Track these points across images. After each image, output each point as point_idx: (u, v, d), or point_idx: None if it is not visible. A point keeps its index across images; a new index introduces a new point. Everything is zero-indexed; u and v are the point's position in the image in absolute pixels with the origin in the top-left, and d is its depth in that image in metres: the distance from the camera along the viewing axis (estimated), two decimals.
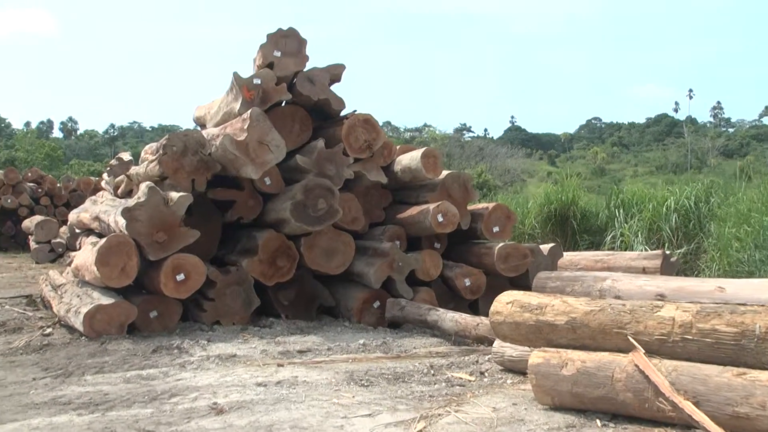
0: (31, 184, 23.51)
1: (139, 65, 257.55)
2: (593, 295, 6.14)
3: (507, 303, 5.04)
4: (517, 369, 5.67)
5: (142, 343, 7.06)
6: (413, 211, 9.20)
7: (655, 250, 11.38)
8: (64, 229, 19.04)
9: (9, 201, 22.29)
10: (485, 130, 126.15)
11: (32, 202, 22.86)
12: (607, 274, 6.43)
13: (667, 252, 8.57)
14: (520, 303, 4.97)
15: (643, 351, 4.21)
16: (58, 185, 24.10)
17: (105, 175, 14.22)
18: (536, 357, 4.65)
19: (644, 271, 8.12)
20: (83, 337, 7.36)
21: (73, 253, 10.70)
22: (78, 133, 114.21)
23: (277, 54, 8.85)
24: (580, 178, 16.75)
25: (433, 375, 5.74)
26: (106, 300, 7.48)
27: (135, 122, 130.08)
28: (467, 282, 8.96)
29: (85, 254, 8.30)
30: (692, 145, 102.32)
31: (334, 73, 9.22)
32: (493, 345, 5.92)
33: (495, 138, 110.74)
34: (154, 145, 10.36)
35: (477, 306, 9.17)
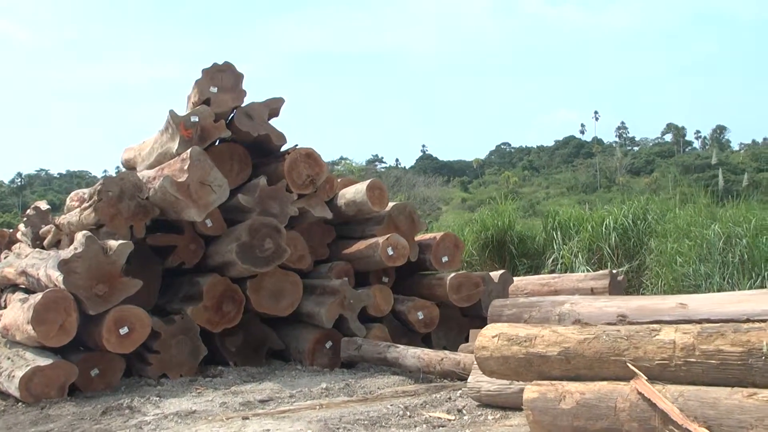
0: None
1: (43, 110, 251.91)
2: (552, 320, 5.95)
3: (493, 336, 4.80)
4: (495, 404, 5.46)
5: (87, 404, 6.62)
6: (361, 245, 8.94)
7: (596, 270, 11.31)
8: None
9: None
10: (397, 160, 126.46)
11: None
12: (565, 297, 6.25)
13: (614, 271, 8.49)
14: (506, 336, 4.73)
15: (645, 378, 4.00)
16: None
17: (21, 226, 13.60)
18: (531, 392, 4.41)
19: (593, 291, 8.01)
20: (20, 403, 6.88)
21: None
22: None
23: (214, 90, 8.50)
24: (516, 204, 16.63)
25: (410, 417, 5.46)
26: (43, 361, 6.99)
27: (42, 170, 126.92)
28: (420, 315, 8.73)
29: (15, 312, 7.77)
30: (600, 164, 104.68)
31: (273, 107, 8.93)
32: (468, 380, 5.68)
33: (407, 167, 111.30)
34: (81, 192, 9.91)
35: (430, 339, 8.93)
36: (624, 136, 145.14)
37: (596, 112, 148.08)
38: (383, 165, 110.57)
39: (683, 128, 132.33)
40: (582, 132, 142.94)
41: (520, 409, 5.06)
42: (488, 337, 4.84)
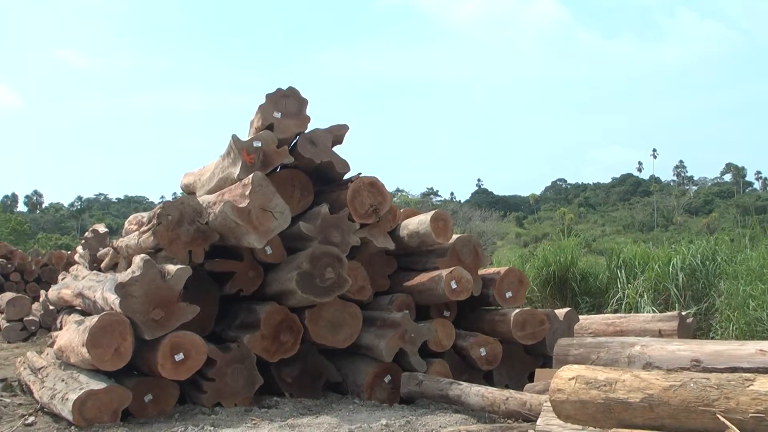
0: (0, 260, 22.73)
1: (103, 136, 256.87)
2: (621, 363, 5.68)
3: (569, 379, 4.50)
4: None
5: (140, 431, 6.44)
6: (423, 278, 8.70)
7: (662, 311, 10.97)
8: (36, 305, 18.32)
9: None
10: (452, 193, 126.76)
11: (2, 278, 22.06)
12: (635, 339, 6.00)
13: (683, 313, 8.16)
14: (584, 379, 4.43)
15: (737, 431, 3.69)
16: (29, 260, 23.35)
17: (79, 249, 13.64)
18: None
19: (660, 333, 7.73)
20: (72, 427, 6.74)
21: (54, 333, 10.04)
22: (43, 206, 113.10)
23: (277, 115, 8.37)
24: (578, 239, 16.33)
25: None
26: (97, 384, 6.85)
27: (101, 194, 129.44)
28: (483, 352, 8.45)
29: (70, 334, 7.67)
30: (657, 203, 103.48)
31: (337, 134, 8.77)
32: (537, 422, 5.36)
33: (462, 201, 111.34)
34: (139, 215, 9.84)
35: (491, 376, 8.66)
36: (682, 174, 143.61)
37: (654, 150, 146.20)
38: (438, 198, 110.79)
39: (743, 168, 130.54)
40: (639, 170, 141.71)
41: None
42: (564, 379, 4.55)
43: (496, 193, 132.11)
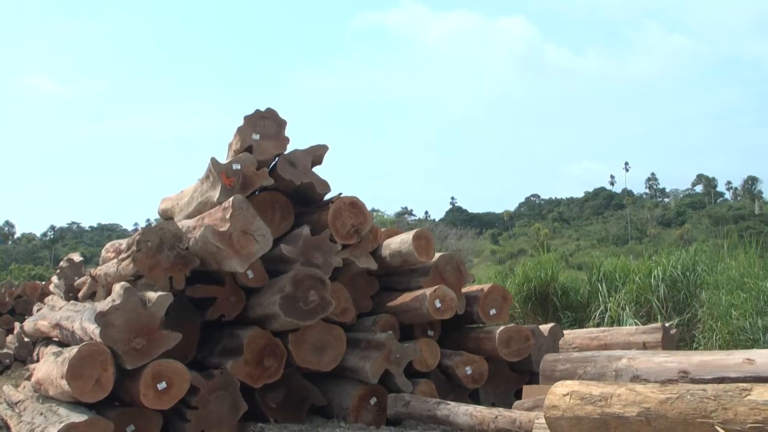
0: None
1: (75, 164, 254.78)
2: (609, 377, 5.65)
3: (564, 395, 4.45)
4: None
5: None
6: (406, 297, 8.62)
7: (644, 323, 10.99)
8: (10, 338, 18.06)
9: None
10: (426, 212, 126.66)
11: None
12: (622, 352, 6.01)
13: (666, 324, 8.16)
14: (579, 394, 4.39)
15: None
16: (2, 291, 23.03)
17: (54, 278, 13.48)
18: None
19: (645, 345, 7.73)
20: None
21: (31, 366, 9.87)
22: (15, 237, 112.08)
23: (256, 137, 8.29)
24: (557, 254, 16.31)
25: None
26: (77, 417, 6.68)
27: (74, 222, 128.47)
28: (469, 370, 8.37)
29: (48, 366, 7.51)
30: (631, 216, 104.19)
31: (317, 154, 8.69)
32: None
33: (437, 219, 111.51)
34: (117, 243, 9.72)
35: (478, 395, 8.58)
36: (654, 187, 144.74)
37: (626, 163, 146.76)
38: (413, 217, 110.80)
39: (714, 179, 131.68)
40: (612, 183, 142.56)
41: None
42: (559, 395, 4.50)
43: (470, 210, 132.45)
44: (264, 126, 8.39)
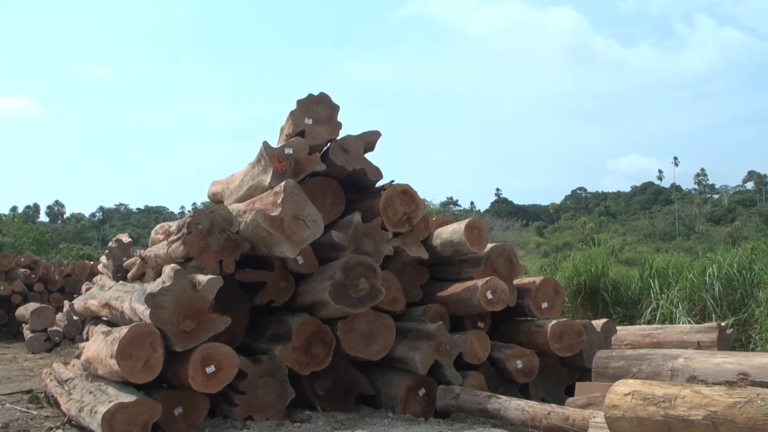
0: (24, 270, 22.68)
1: (124, 147, 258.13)
2: (664, 376, 5.47)
3: (625, 395, 4.30)
4: None
5: None
6: (457, 288, 8.50)
7: (698, 322, 10.75)
8: (60, 316, 18.25)
9: (1, 288, 21.42)
10: (471, 203, 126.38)
11: (26, 289, 22.00)
12: (678, 351, 5.80)
13: (722, 324, 7.95)
14: (641, 395, 4.23)
15: None
16: (52, 270, 23.29)
17: (103, 258, 13.54)
18: None
19: (699, 345, 7.53)
20: None
21: (81, 344, 9.91)
22: (65, 216, 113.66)
23: (308, 121, 8.21)
24: (607, 248, 16.08)
25: None
26: (126, 397, 6.67)
27: (121, 204, 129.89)
28: (519, 364, 8.24)
29: (98, 345, 7.52)
30: (679, 212, 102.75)
31: (369, 141, 8.58)
32: None
33: (482, 210, 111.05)
34: (166, 225, 9.69)
35: (527, 389, 8.44)
36: (703, 183, 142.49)
37: (675, 158, 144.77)
38: (458, 208, 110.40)
39: (765, 176, 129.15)
40: (660, 178, 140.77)
41: None
42: (620, 394, 4.35)
43: (516, 202, 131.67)
44: (317, 111, 8.30)
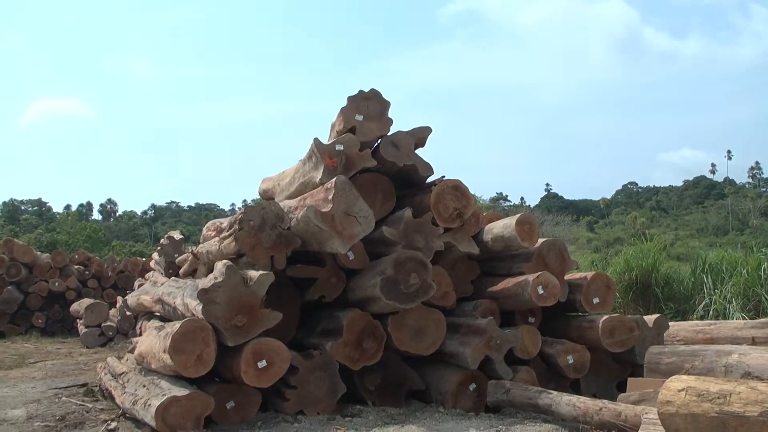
0: (78, 267, 23.08)
1: (175, 145, 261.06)
2: (717, 372, 5.41)
3: (679, 391, 4.24)
4: None
5: None
6: (508, 283, 8.47)
7: (752, 317, 10.58)
8: (113, 311, 18.52)
9: (57, 284, 21.82)
10: (521, 198, 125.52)
11: (80, 285, 22.38)
12: (732, 347, 5.73)
13: None
14: (696, 391, 4.17)
15: None
16: (105, 267, 23.66)
17: (155, 255, 13.70)
18: None
19: (754, 341, 7.39)
20: None
21: (134, 339, 10.04)
22: (117, 214, 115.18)
23: (359, 118, 8.23)
24: (660, 242, 15.92)
25: None
26: (179, 391, 6.75)
27: (172, 202, 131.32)
28: (570, 359, 8.18)
29: (151, 340, 7.62)
30: (732, 206, 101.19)
31: (420, 136, 8.57)
32: None
33: (532, 206, 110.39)
34: (218, 222, 9.78)
35: (578, 385, 8.38)
36: (758, 177, 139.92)
37: (729, 152, 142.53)
38: (508, 203, 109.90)
39: None
40: (713, 172, 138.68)
41: None
42: (674, 390, 4.29)
43: (566, 197, 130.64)
44: (368, 107, 8.31)
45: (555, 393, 6.84)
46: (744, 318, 10.60)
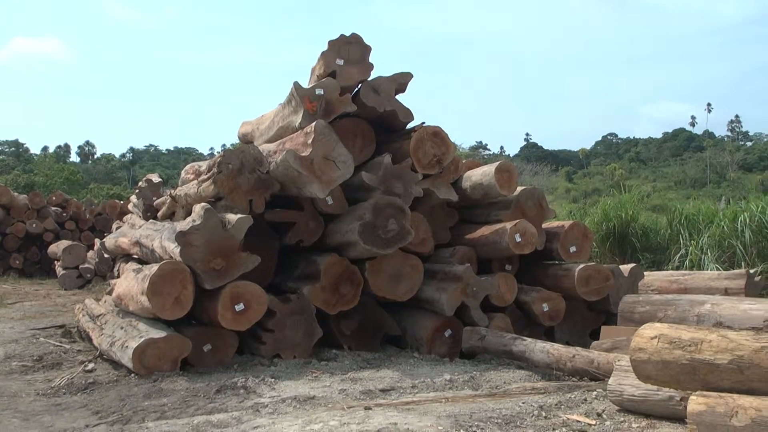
0: (56, 209, 22.96)
1: (154, 89, 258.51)
2: (690, 321, 5.46)
3: (652, 338, 4.29)
4: (638, 410, 4.91)
5: (200, 380, 6.39)
6: (486, 231, 8.50)
7: (726, 269, 10.67)
8: (91, 253, 18.49)
9: (34, 226, 21.73)
10: (501, 147, 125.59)
11: (57, 227, 22.29)
12: (705, 297, 5.77)
13: (750, 271, 7.89)
14: (668, 338, 4.22)
15: None
16: (83, 209, 23.55)
17: (133, 198, 13.67)
18: (697, 403, 3.89)
19: (726, 292, 7.47)
20: (132, 374, 6.72)
21: (112, 281, 10.04)
22: (95, 156, 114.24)
23: (340, 62, 8.15)
24: (638, 194, 15.99)
25: (546, 418, 4.99)
26: (156, 333, 6.80)
27: (151, 145, 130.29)
28: (545, 307, 8.25)
29: (129, 282, 7.62)
30: (711, 159, 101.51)
31: (401, 82, 8.50)
32: (609, 382, 5.16)
33: (511, 155, 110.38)
34: (196, 165, 9.75)
35: (552, 332, 8.47)
36: (737, 130, 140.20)
37: (709, 104, 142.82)
38: (488, 152, 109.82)
39: None
40: (692, 125, 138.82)
41: (667, 419, 4.59)
42: (646, 338, 4.34)
43: (545, 147, 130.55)
44: (348, 52, 8.24)
45: (529, 340, 6.91)
46: (718, 269, 10.68)
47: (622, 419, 4.92)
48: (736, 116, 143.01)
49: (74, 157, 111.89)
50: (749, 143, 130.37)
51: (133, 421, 5.30)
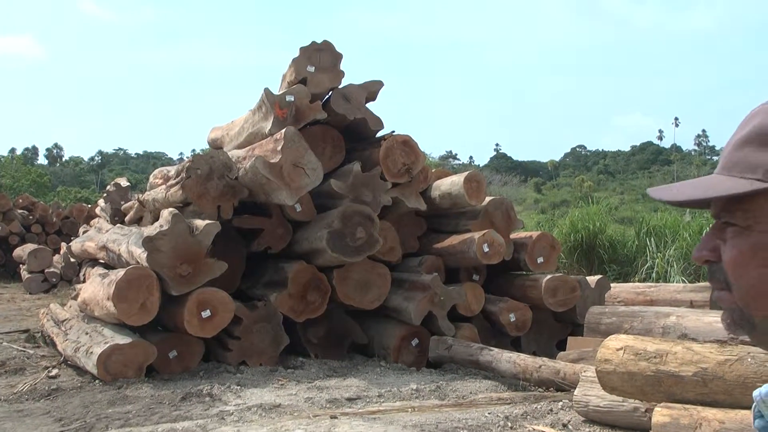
0: (22, 211, 22.71)
1: (124, 91, 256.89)
2: (655, 333, 5.51)
3: (618, 349, 4.32)
4: (604, 421, 4.94)
5: (165, 388, 6.34)
6: (454, 240, 8.51)
7: (692, 281, 10.78)
8: (57, 257, 18.32)
9: (0, 228, 21.47)
10: (470, 157, 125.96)
11: (23, 230, 22.05)
12: (670, 309, 5.85)
13: None
14: (633, 350, 4.26)
15: None
16: (50, 212, 23.32)
17: (101, 202, 13.56)
18: (662, 415, 3.93)
19: (692, 304, 7.56)
20: (96, 381, 6.65)
21: (78, 286, 9.95)
22: (63, 159, 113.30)
23: (311, 69, 8.14)
24: (606, 206, 16.11)
25: (512, 428, 5.01)
26: (122, 339, 6.75)
27: (120, 149, 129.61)
28: (512, 317, 8.27)
29: (95, 287, 7.55)
30: (678, 172, 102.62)
31: (371, 90, 8.52)
32: (575, 393, 5.19)
33: (481, 165, 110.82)
34: (165, 169, 9.67)
35: (519, 343, 8.50)
36: (704, 144, 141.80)
37: (676, 118, 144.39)
38: (457, 161, 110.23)
39: None
40: (660, 138, 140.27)
41: (632, 430, 4.62)
42: (612, 349, 4.37)
43: (515, 158, 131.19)
44: (319, 58, 8.23)
45: (496, 350, 6.93)
46: (684, 282, 10.79)
47: (587, 430, 4.95)
48: (703, 131, 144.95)
49: (42, 160, 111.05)
50: (716, 158, 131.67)
51: (96, 429, 5.26)
